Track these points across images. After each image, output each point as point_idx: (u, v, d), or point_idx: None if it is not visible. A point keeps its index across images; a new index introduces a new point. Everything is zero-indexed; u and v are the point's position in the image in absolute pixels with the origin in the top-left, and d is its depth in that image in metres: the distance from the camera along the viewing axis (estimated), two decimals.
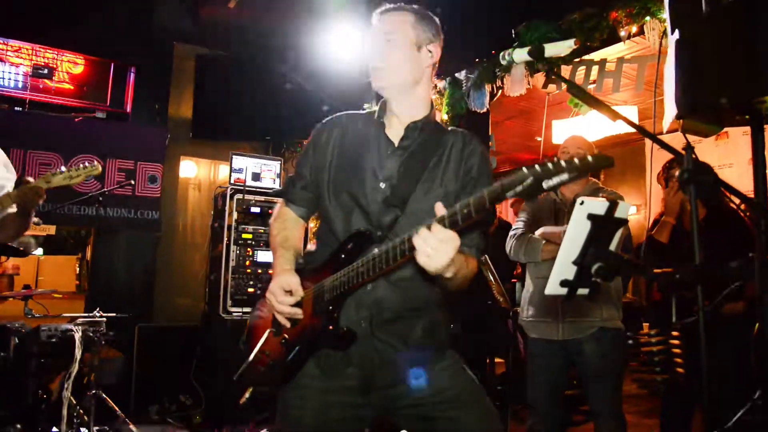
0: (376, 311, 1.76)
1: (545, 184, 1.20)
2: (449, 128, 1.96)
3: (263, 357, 1.89)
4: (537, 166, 1.21)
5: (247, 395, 1.92)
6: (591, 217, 1.31)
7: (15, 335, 3.60)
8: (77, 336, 3.67)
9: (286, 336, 1.84)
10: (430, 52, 1.87)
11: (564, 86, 1.81)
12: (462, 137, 1.90)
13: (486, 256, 4.24)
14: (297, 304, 1.78)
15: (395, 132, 1.88)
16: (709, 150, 6.38)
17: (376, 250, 1.68)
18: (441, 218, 1.41)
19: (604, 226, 1.32)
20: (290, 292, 1.78)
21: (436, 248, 1.41)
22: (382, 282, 1.75)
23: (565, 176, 1.18)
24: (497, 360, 4.90)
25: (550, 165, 1.19)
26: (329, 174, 1.89)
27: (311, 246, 2.00)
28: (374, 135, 1.89)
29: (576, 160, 1.17)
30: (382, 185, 1.80)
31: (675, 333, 2.95)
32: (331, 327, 1.73)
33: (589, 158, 1.16)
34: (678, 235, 3.41)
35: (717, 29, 1.84)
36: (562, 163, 1.18)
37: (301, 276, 1.84)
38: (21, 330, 3.66)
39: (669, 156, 1.64)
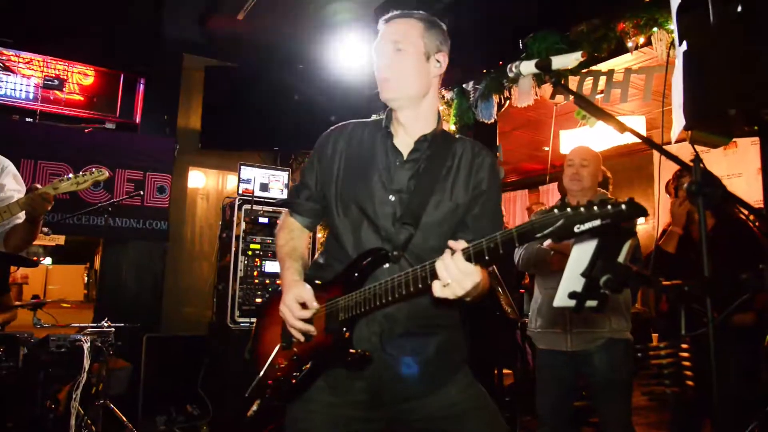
0: (387, 326, 1.74)
1: (577, 229, 1.18)
2: (457, 137, 1.94)
3: (273, 371, 1.87)
4: (569, 209, 1.20)
5: (254, 408, 1.91)
6: None
7: (24, 345, 3.61)
8: (86, 346, 3.68)
9: (297, 351, 1.82)
10: (438, 61, 1.84)
11: (571, 97, 1.80)
12: (471, 147, 1.87)
13: (494, 266, 4.24)
14: (311, 319, 1.76)
15: (403, 142, 1.85)
16: (717, 160, 6.37)
17: (387, 265, 1.67)
18: (466, 249, 1.38)
19: (612, 238, 1.32)
20: (304, 305, 1.75)
21: (457, 279, 1.38)
22: None
23: (597, 222, 1.16)
24: (505, 371, 4.88)
25: (582, 210, 1.17)
26: (336, 186, 1.87)
27: (319, 258, 1.98)
28: (381, 145, 1.86)
29: (610, 208, 1.15)
30: (392, 198, 1.77)
31: (684, 345, 2.93)
32: (345, 348, 1.70)
33: (623, 207, 1.14)
34: (686, 244, 3.40)
35: (725, 40, 1.84)
36: (596, 209, 1.16)
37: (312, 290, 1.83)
38: (30, 340, 3.67)
39: (677, 165, 1.64)
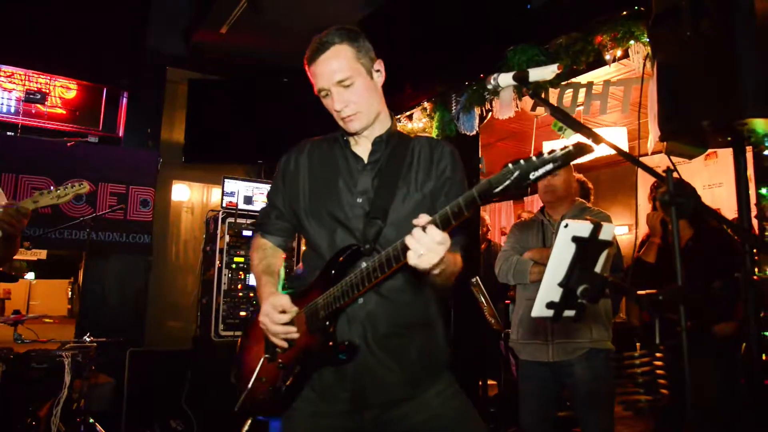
0: (369, 326, 1.75)
1: (532, 176, 1.26)
2: (413, 136, 1.98)
3: (260, 385, 1.87)
4: (522, 161, 1.27)
5: (246, 427, 1.90)
6: (575, 239, 1.33)
7: (3, 361, 3.57)
8: (66, 362, 3.64)
9: (282, 360, 1.82)
10: (378, 71, 1.86)
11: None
12: (427, 142, 1.92)
13: (477, 278, 4.26)
14: (291, 323, 1.76)
15: (362, 148, 1.90)
16: (698, 170, 6.44)
17: (364, 264, 1.69)
18: (433, 219, 1.41)
19: (588, 248, 1.34)
20: (283, 312, 1.75)
21: (429, 248, 1.41)
22: (374, 296, 1.74)
23: (550, 166, 1.24)
24: (490, 382, 4.88)
25: (534, 158, 1.26)
26: (304, 200, 1.91)
27: (296, 271, 1.99)
28: (341, 154, 1.91)
29: (558, 151, 1.23)
30: (359, 200, 1.81)
31: (659, 354, 2.96)
32: (330, 343, 1.72)
33: (571, 148, 1.22)
34: (666, 255, 3.44)
35: (697, 53, 1.87)
36: (546, 155, 1.25)
37: (290, 299, 1.84)
38: (9, 356, 3.62)
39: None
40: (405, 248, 1.45)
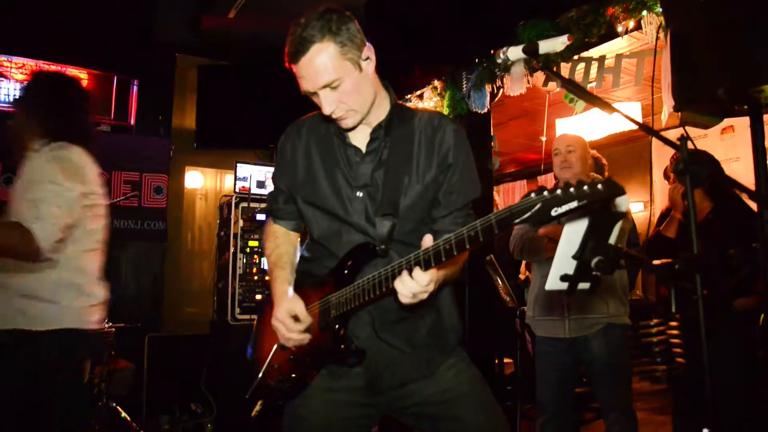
0: (378, 314, 1.75)
1: (554, 212, 1.17)
2: (415, 111, 1.84)
3: (272, 371, 1.89)
4: (546, 193, 1.19)
5: (258, 407, 1.92)
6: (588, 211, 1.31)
7: None
8: None
9: (293, 351, 1.84)
10: (367, 59, 1.68)
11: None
12: (429, 121, 1.79)
13: (492, 255, 4.25)
14: (306, 330, 1.77)
15: (360, 134, 1.80)
16: (714, 144, 6.36)
17: (376, 260, 1.69)
18: (447, 239, 1.39)
19: (602, 219, 1.32)
20: (296, 317, 1.76)
21: (416, 291, 1.46)
22: None
23: (574, 204, 1.15)
24: (506, 360, 4.89)
25: (559, 192, 1.17)
26: (302, 188, 1.85)
27: (304, 251, 1.96)
28: (338, 143, 1.81)
29: (586, 188, 1.14)
30: (359, 194, 1.75)
31: (673, 323, 2.93)
32: (341, 346, 1.72)
33: (600, 187, 1.13)
34: (686, 230, 3.40)
35: (711, 19, 1.83)
36: (572, 190, 1.15)
37: (302, 288, 1.85)
38: None
39: (672, 150, 1.63)
40: (419, 265, 1.46)
